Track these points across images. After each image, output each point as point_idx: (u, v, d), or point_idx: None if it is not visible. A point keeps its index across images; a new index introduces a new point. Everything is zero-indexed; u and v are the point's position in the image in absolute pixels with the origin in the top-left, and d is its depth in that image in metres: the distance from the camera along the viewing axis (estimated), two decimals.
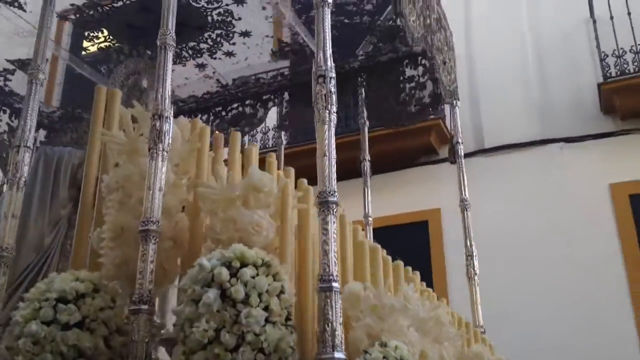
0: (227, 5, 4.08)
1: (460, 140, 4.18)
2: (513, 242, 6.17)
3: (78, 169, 3.35)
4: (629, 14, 6.48)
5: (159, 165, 1.97)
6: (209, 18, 4.22)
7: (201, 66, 4.81)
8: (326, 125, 1.78)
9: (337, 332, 1.50)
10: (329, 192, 1.68)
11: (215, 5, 4.14)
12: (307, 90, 4.71)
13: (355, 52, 4.70)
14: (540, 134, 6.80)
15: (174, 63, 4.61)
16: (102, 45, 4.54)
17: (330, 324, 1.51)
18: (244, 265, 1.62)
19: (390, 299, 1.84)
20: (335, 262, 1.60)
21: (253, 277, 1.60)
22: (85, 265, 2.27)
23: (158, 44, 2.20)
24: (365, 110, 4.62)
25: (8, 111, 4.93)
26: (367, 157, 4.23)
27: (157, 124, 2.04)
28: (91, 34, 4.44)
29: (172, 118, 2.09)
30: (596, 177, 6.30)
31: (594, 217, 6.18)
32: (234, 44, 4.49)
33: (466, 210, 3.85)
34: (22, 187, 2.21)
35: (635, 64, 6.48)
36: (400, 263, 2.38)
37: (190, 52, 4.62)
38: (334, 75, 1.86)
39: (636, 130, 6.45)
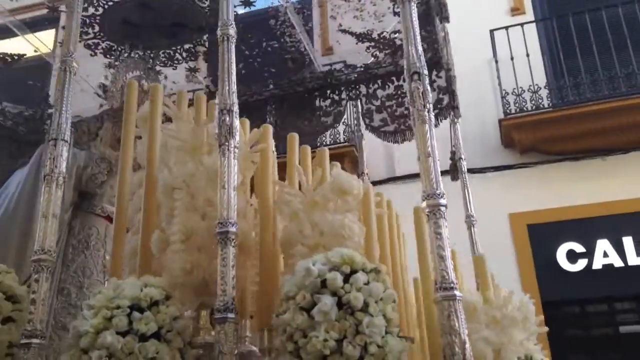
0: (234, 6, 3.94)
1: (462, 157, 4.17)
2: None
3: (83, 171, 3.14)
4: (528, 55, 7.07)
5: (232, 162, 1.83)
6: (212, 19, 4.07)
7: (192, 70, 4.62)
8: (426, 125, 1.69)
9: (466, 345, 1.40)
10: (439, 194, 1.59)
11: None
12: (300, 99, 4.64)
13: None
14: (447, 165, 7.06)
15: (165, 65, 4.46)
16: (90, 42, 4.29)
17: (458, 336, 1.41)
18: (354, 271, 1.51)
19: (512, 311, 1.77)
20: (452, 268, 1.50)
21: (366, 284, 1.48)
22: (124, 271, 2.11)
23: (219, 34, 2.06)
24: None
25: None
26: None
27: (227, 119, 1.89)
28: (81, 29, 4.18)
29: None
30: (497, 207, 6.64)
31: (494, 245, 6.42)
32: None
33: (473, 226, 3.81)
34: (62, 184, 2.00)
35: (533, 102, 7.07)
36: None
37: (184, 54, 4.44)
38: (426, 72, 1.78)
39: (533, 164, 7.07)
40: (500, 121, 7.20)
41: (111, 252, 2.13)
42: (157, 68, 4.32)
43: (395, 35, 4.34)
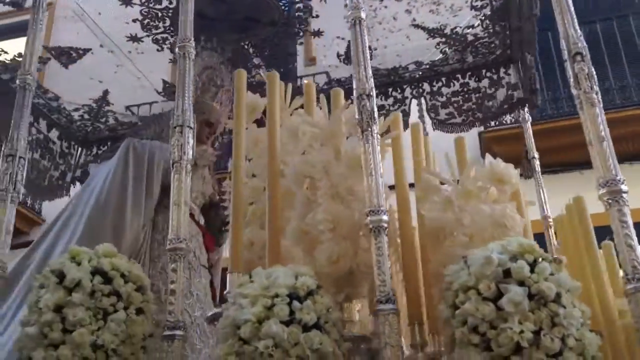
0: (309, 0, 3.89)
1: (535, 155, 4.06)
2: None
3: (169, 165, 3.08)
4: None
5: (376, 148, 1.75)
6: (285, 13, 4.01)
7: (257, 67, 4.55)
8: (596, 107, 1.61)
9: None
10: (619, 180, 1.51)
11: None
12: None
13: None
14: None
15: (234, 60, 4.39)
16: (159, 36, 4.24)
17: None
18: (535, 260, 1.42)
19: None
20: None
21: (552, 274, 1.40)
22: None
23: (350, 18, 1.99)
24: None
25: None
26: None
27: (367, 104, 1.82)
28: (151, 23, 4.13)
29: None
30: None
31: None
32: (301, 44, 4.27)
33: (550, 227, 3.66)
34: (189, 171, 1.93)
35: (512, 116, 6.99)
36: None
37: (251, 49, 4.38)
38: (588, 53, 1.70)
39: None
40: (480, 134, 7.28)
41: (230, 245, 2.05)
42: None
43: (468, 31, 4.25)
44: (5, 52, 4.27)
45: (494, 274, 1.40)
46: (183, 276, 1.77)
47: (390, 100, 4.68)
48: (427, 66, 4.59)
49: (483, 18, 4.12)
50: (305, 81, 2.47)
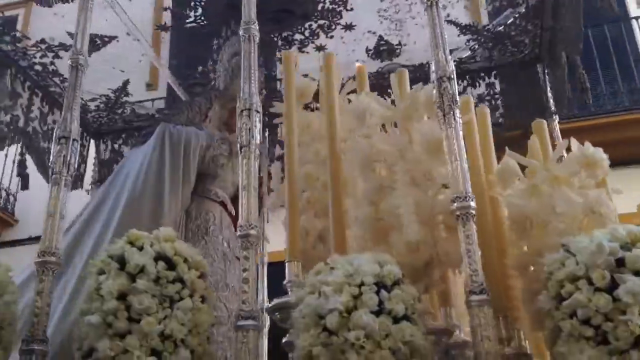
0: None
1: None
2: None
3: (205, 151, 2.98)
4: None
5: (459, 133, 1.66)
6: (319, 6, 3.91)
7: (281, 60, 4.44)
8: None
9: None
10: None
11: None
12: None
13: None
14: None
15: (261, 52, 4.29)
16: (187, 26, 4.14)
17: None
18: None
19: None
20: None
21: None
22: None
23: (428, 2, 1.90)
24: None
25: (40, 94, 4.41)
26: None
27: (448, 86, 1.73)
28: (182, 12, 4.03)
29: None
30: None
31: None
32: (331, 37, 4.18)
33: None
34: (258, 155, 1.84)
35: None
36: None
37: (280, 42, 4.28)
38: None
39: None
40: None
41: (287, 235, 1.95)
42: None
43: (500, 29, 4.17)
44: (28, 38, 4.16)
45: (605, 263, 1.31)
46: (254, 264, 1.66)
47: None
48: (455, 63, 4.50)
49: (517, 15, 4.04)
50: (357, 64, 2.36)
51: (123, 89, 4.88)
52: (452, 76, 1.75)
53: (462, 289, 1.65)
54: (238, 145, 1.86)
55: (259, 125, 1.89)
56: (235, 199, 3.23)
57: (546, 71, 4.17)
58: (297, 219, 1.97)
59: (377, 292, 1.42)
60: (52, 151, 2.00)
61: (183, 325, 1.54)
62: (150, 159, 2.78)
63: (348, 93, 2.26)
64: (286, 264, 1.91)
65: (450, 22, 4.22)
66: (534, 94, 4.05)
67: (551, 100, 3.87)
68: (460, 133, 1.65)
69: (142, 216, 2.57)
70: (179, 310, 1.55)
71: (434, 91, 1.75)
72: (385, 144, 1.76)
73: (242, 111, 1.91)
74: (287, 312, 1.82)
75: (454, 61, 4.58)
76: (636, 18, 7.34)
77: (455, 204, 1.55)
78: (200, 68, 4.65)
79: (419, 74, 4.49)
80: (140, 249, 1.62)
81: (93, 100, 4.80)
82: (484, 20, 4.22)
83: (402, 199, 1.64)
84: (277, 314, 1.82)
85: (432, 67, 1.80)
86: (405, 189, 1.67)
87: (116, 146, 4.93)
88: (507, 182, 1.76)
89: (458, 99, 1.71)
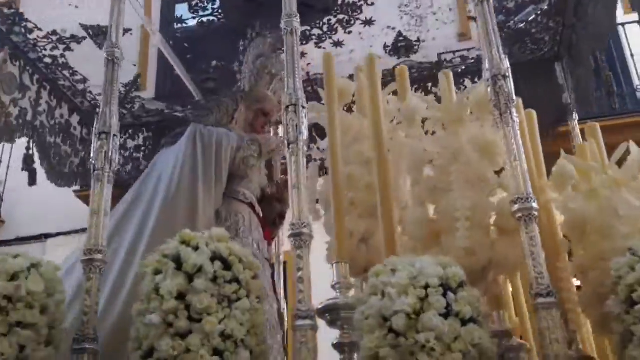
0: None
1: None
2: None
3: (236, 153, 2.95)
4: None
5: (517, 132, 1.65)
6: (340, 0, 3.88)
7: (301, 55, 4.39)
8: None
9: None
10: None
11: None
12: None
13: None
14: None
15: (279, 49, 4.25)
16: (204, 19, 4.09)
17: None
18: None
19: None
20: None
21: None
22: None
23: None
24: None
25: (49, 88, 4.35)
26: None
27: (503, 84, 1.72)
28: (199, 4, 3.99)
29: None
30: None
31: None
32: (349, 32, 4.15)
33: None
34: (305, 152, 1.81)
35: None
36: None
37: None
38: None
39: None
40: None
41: (334, 236, 1.94)
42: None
43: (521, 26, 4.16)
44: (39, 29, 4.09)
45: None
46: (308, 263, 1.64)
47: (431, 98, 4.57)
48: (473, 60, 4.49)
49: (539, 12, 4.03)
50: (397, 68, 2.35)
51: (134, 83, 4.83)
52: (507, 74, 1.74)
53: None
54: (285, 142, 1.83)
55: (305, 121, 1.86)
56: (260, 201, 3.22)
57: (565, 70, 4.18)
58: (343, 221, 1.96)
59: (444, 295, 1.41)
60: (92, 147, 1.97)
61: (242, 325, 1.52)
62: (183, 160, 2.76)
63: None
64: (334, 266, 1.90)
65: (471, 17, 4.22)
66: (552, 93, 4.05)
67: (570, 100, 3.87)
68: (518, 132, 1.64)
69: (178, 216, 2.55)
70: (237, 311, 1.53)
71: (488, 90, 1.74)
72: (437, 145, 1.74)
73: (287, 107, 1.88)
74: (337, 314, 1.81)
75: (472, 59, 4.59)
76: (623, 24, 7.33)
77: (517, 206, 1.54)
78: (214, 63, 4.62)
79: (436, 70, 4.50)
80: (196, 249, 1.60)
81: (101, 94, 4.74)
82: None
83: (460, 202, 1.63)
84: (327, 315, 1.81)
85: (486, 65, 1.78)
86: (462, 191, 1.65)
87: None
88: (563, 186, 1.75)
89: (514, 97, 1.70)
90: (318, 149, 4.52)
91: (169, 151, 2.93)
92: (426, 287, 1.42)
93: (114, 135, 1.96)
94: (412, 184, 1.80)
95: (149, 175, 2.87)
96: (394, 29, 4.14)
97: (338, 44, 4.25)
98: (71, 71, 4.43)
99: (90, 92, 4.66)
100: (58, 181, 4.97)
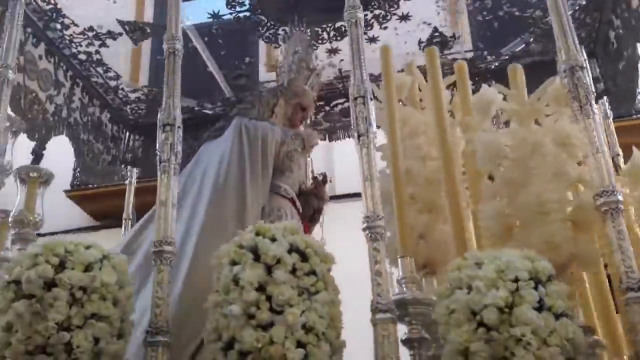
0: None
1: (620, 152, 3.91)
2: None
3: (280, 147, 2.93)
4: None
5: (598, 124, 1.63)
6: None
7: (333, 52, 4.37)
8: None
9: None
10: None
11: None
12: None
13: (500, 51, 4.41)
14: None
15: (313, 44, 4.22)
16: (241, 15, 4.07)
17: None
18: None
19: None
20: None
21: None
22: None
23: None
24: None
25: (81, 84, 4.35)
26: None
27: (581, 76, 1.69)
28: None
29: None
30: None
31: None
32: (385, 28, 4.11)
33: None
34: (376, 145, 1.79)
35: None
36: None
37: (332, 33, 4.21)
38: None
39: None
40: None
41: (397, 231, 1.91)
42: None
43: None
44: (76, 25, 4.09)
45: None
46: (385, 256, 1.62)
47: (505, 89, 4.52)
48: (507, 57, 4.45)
49: (577, 8, 3.99)
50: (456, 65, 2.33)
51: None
52: (584, 65, 1.71)
53: None
54: (355, 134, 1.81)
55: (374, 114, 1.84)
56: (297, 196, 3.20)
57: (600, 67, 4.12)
58: (405, 215, 1.93)
59: (534, 288, 1.38)
60: (157, 139, 1.96)
61: (322, 318, 1.50)
62: (230, 152, 2.75)
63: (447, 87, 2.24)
64: (399, 260, 1.88)
65: (507, 13, 4.18)
66: None
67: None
68: (600, 124, 1.61)
69: (227, 210, 2.55)
70: (317, 303, 1.51)
71: (565, 81, 1.71)
72: (513, 138, 1.71)
73: (356, 98, 1.86)
74: (405, 309, 1.79)
75: (506, 55, 4.54)
76: None
77: (602, 199, 1.51)
78: (247, 59, 4.60)
79: (470, 67, 4.45)
80: (273, 240, 1.58)
81: (135, 91, 4.74)
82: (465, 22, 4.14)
83: (544, 195, 1.60)
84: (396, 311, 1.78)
85: (562, 57, 1.75)
86: (545, 184, 1.62)
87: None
88: (637, 181, 1.72)
89: (593, 88, 1.67)
90: None
91: (212, 145, 2.92)
92: (515, 280, 1.39)
93: (178, 126, 1.95)
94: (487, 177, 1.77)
95: (194, 168, 2.85)
96: (429, 24, 4.10)
97: (373, 39, 4.22)
98: (105, 68, 4.44)
99: (122, 89, 4.68)
100: (90, 178, 4.98)
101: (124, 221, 4.28)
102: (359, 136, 1.78)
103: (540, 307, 1.36)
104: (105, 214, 6.30)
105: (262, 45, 5.64)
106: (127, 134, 4.91)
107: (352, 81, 1.91)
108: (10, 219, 2.60)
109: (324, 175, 3.36)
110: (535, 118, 1.75)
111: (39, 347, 1.52)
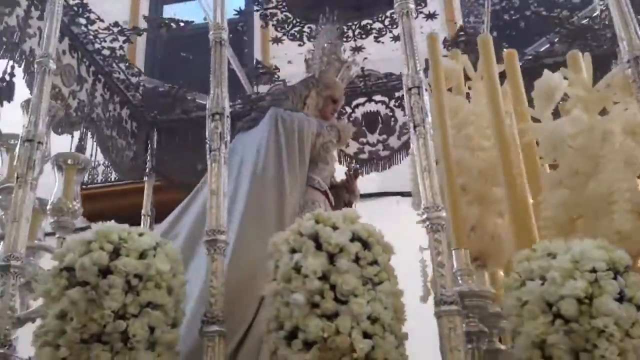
0: None
1: None
2: None
3: (316, 139, 2.90)
4: None
5: None
6: None
7: (357, 50, 4.33)
8: None
9: None
10: None
11: None
12: None
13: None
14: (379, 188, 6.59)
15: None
16: (268, 12, 4.04)
17: None
18: None
19: None
20: None
21: None
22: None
23: None
24: None
25: (103, 80, 4.32)
26: None
27: None
28: None
29: None
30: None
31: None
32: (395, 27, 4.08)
33: None
34: (432, 135, 1.75)
35: None
36: None
37: (357, 31, 4.18)
38: None
39: None
40: None
41: (451, 223, 1.86)
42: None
43: (584, 22, 4.08)
44: (101, 20, 4.07)
45: None
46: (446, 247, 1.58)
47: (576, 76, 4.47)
48: (530, 57, 4.41)
49: (604, 7, 3.95)
50: (506, 51, 2.29)
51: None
52: None
53: None
54: (411, 125, 1.77)
55: (428, 104, 1.80)
56: (330, 189, 3.16)
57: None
58: (459, 207, 1.90)
59: (614, 278, 1.34)
60: (207, 127, 1.92)
61: (386, 309, 1.46)
62: (267, 143, 2.72)
63: None
64: (453, 252, 1.84)
65: (534, 12, 4.15)
66: None
67: None
68: None
69: (267, 201, 2.52)
70: (381, 293, 1.47)
71: (630, 71, 1.67)
72: (578, 126, 1.67)
73: (410, 89, 1.82)
74: (462, 301, 1.74)
75: (529, 55, 4.49)
76: None
77: None
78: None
79: None
80: (334, 228, 1.54)
81: (154, 89, 4.71)
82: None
83: (616, 184, 1.55)
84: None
85: (624, 47, 1.72)
86: (615, 173, 1.58)
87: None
88: None
89: None
90: (368, 143, 4.47)
91: (246, 135, 2.90)
92: (593, 271, 1.35)
93: (227, 116, 1.91)
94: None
95: (229, 160, 2.82)
96: (455, 23, 4.08)
97: (397, 38, 4.19)
98: (127, 64, 4.41)
99: (144, 85, 4.65)
100: (119, 173, 4.94)
101: (142, 217, 4.28)
102: (415, 127, 1.74)
103: (620, 298, 1.32)
104: (101, 215, 6.29)
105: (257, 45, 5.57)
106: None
107: (406, 72, 1.87)
108: (48, 207, 2.55)
109: (356, 170, 3.33)
110: (603, 106, 1.71)
111: (95, 335, 1.48)
